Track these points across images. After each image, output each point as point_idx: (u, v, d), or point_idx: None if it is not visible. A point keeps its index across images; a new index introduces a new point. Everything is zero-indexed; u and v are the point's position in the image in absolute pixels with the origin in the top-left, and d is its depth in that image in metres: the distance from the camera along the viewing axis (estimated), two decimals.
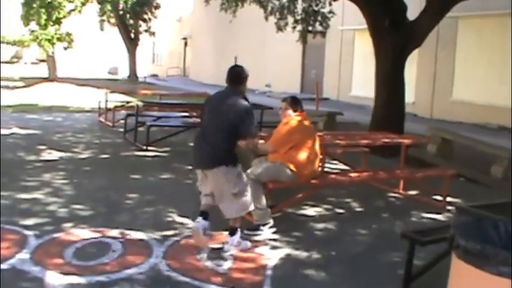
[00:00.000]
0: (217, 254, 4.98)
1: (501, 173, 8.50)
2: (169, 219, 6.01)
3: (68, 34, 28.58)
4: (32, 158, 9.08)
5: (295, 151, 5.88)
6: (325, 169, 8.26)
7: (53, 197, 6.61)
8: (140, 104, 12.08)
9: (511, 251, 2.37)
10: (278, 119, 6.26)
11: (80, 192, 6.98)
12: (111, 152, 10.07)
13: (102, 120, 14.30)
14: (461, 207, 2.68)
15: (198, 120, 9.32)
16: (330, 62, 23.86)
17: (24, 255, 4.72)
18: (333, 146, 7.92)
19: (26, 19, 27.62)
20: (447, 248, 3.86)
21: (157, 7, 35.02)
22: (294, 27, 16.34)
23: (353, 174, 7.21)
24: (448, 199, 7.03)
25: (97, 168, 8.52)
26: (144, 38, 35.87)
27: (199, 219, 5.10)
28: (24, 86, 26.30)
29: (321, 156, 6.52)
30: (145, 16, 34.55)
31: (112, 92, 15.90)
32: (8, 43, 31.32)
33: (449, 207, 6.88)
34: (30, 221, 5.63)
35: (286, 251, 5.19)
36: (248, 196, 5.20)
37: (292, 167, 5.85)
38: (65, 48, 29.13)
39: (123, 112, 13.07)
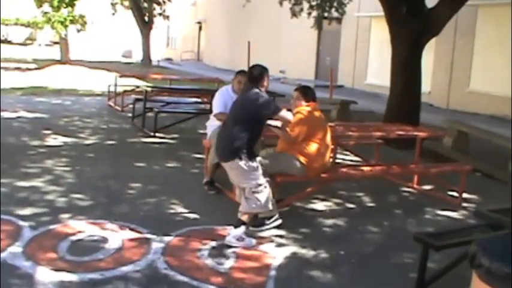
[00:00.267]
0: (219, 251, 4.74)
1: None
2: (172, 211, 5.77)
3: (82, 16, 28.26)
4: (36, 143, 8.86)
5: (305, 143, 5.58)
6: (337, 160, 8.01)
7: (53, 185, 6.39)
8: (149, 89, 11.80)
9: None
10: (290, 107, 5.94)
11: (81, 180, 6.75)
12: (118, 138, 9.82)
13: (112, 104, 14.04)
14: (479, 212, 2.39)
15: (209, 106, 9.04)
16: (346, 49, 23.43)
17: (17, 248, 4.49)
18: (346, 137, 7.64)
19: (39, 0, 27.35)
20: (464, 252, 3.58)
21: None
22: (309, 13, 15.97)
23: (365, 168, 6.87)
24: (464, 195, 6.74)
25: (101, 155, 8.28)
26: (158, 21, 35.50)
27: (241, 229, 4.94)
28: (36, 68, 26.10)
29: (332, 147, 6.23)
30: None
31: (122, 75, 15.59)
32: (22, 25, 31.15)
33: (465, 204, 6.59)
34: (26, 211, 5.41)
35: (292, 249, 4.92)
36: (264, 194, 5.03)
37: (301, 159, 5.56)
38: (78, 31, 28.87)
39: (133, 97, 12.77)
